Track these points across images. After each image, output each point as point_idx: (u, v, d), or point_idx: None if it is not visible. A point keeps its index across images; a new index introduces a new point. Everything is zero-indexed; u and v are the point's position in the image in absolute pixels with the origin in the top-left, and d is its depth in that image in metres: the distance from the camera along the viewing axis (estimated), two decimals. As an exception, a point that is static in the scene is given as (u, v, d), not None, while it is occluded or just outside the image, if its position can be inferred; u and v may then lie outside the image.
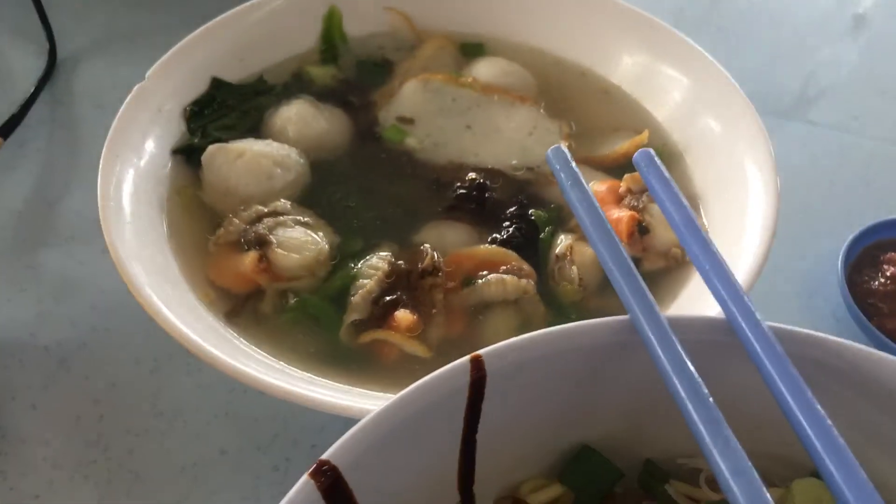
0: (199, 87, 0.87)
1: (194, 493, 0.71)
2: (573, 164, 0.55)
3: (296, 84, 0.92)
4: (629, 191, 0.79)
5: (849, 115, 1.10)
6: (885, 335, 0.81)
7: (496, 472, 0.51)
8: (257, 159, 0.80)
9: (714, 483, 0.53)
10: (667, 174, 0.53)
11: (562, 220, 0.80)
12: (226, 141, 0.82)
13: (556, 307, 0.75)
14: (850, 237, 0.88)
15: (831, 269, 0.90)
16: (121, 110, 0.79)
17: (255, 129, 0.87)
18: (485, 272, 0.74)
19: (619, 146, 0.86)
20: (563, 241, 0.77)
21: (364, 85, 0.93)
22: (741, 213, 0.75)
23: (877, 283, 0.85)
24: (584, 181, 0.53)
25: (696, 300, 0.71)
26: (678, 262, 0.77)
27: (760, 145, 0.78)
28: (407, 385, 0.43)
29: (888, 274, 0.85)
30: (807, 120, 1.10)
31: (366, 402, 0.61)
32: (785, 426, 0.43)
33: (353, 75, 0.95)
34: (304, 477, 0.40)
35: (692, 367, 0.43)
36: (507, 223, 0.79)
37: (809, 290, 0.90)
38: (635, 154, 0.55)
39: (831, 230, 0.95)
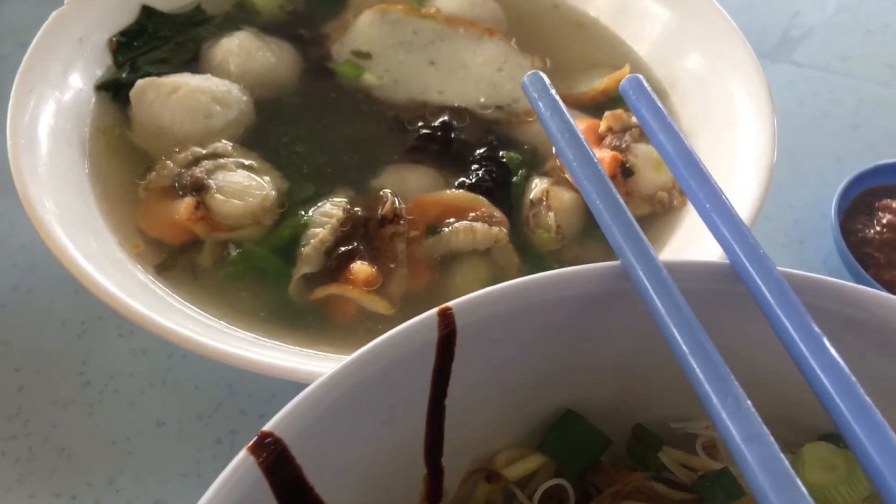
0: (127, 16, 0.80)
1: (128, 470, 0.66)
2: (552, 90, 0.51)
3: (238, 15, 0.86)
4: (610, 130, 0.73)
5: (836, 55, 1.05)
6: (883, 286, 0.75)
7: (468, 441, 0.47)
8: (194, 95, 0.73)
9: (712, 449, 0.49)
10: (658, 102, 0.48)
11: (536, 162, 0.75)
12: (158, 75, 0.75)
13: (531, 257, 0.70)
14: (843, 183, 0.83)
15: (821, 217, 0.86)
16: (36, 38, 0.72)
17: (192, 64, 0.80)
18: (451, 219, 0.69)
19: (597, 83, 0.81)
20: (538, 185, 0.72)
21: (315, 16, 0.87)
22: (733, 151, 0.70)
23: (872, 231, 0.80)
24: (565, 109, 0.48)
25: (686, 249, 0.66)
26: (665, 207, 0.71)
27: (753, 77, 0.73)
28: (365, 345, 0.39)
29: (884, 221, 0.80)
30: (792, 61, 1.05)
31: (318, 364, 0.55)
32: (790, 386, 0.40)
33: (302, 6, 0.88)
34: (243, 452, 0.36)
35: (694, 318, 0.39)
36: (476, 166, 0.74)
37: (799, 239, 0.86)
38: (622, 81, 0.50)
39: (820, 177, 0.92)
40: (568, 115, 0.48)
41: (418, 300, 0.66)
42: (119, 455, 0.66)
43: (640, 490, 0.48)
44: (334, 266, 0.65)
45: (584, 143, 0.46)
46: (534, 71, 0.51)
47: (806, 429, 0.47)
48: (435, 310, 0.41)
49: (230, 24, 0.83)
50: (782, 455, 0.33)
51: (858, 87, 1.02)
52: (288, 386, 0.67)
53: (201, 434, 0.68)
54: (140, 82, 0.73)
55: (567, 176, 0.71)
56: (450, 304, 0.41)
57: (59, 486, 0.64)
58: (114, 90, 0.76)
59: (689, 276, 0.43)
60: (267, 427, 0.37)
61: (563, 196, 0.70)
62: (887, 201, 0.82)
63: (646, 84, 0.49)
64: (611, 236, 0.43)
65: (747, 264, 0.41)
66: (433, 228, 0.69)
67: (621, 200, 0.44)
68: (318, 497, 0.39)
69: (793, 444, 0.47)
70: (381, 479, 0.43)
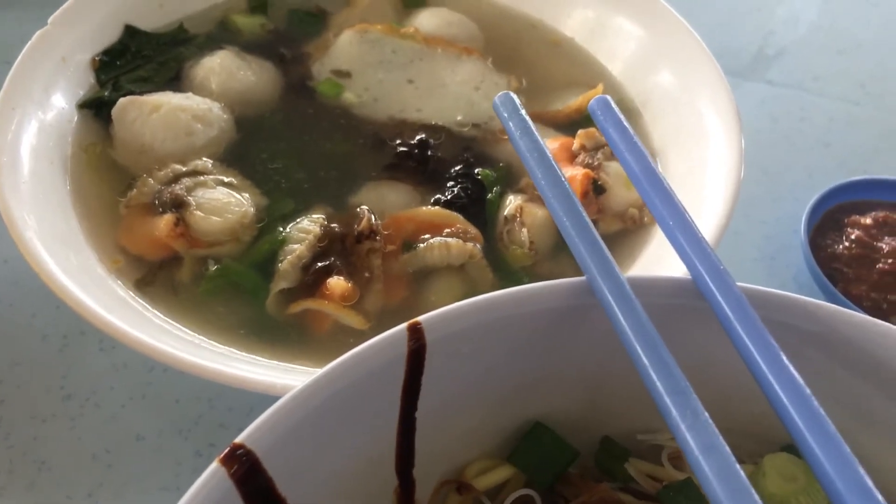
0: (110, 36, 0.81)
1: (108, 483, 0.66)
2: (523, 111, 0.52)
3: (220, 34, 0.86)
4: (583, 148, 0.74)
5: (808, 74, 1.07)
6: (851, 301, 0.77)
7: (439, 453, 0.47)
8: (175, 113, 0.73)
9: (678, 460, 0.50)
10: (625, 122, 0.49)
11: (511, 179, 0.76)
12: (140, 94, 0.76)
13: (504, 273, 0.70)
14: (813, 199, 0.84)
15: (793, 232, 0.87)
16: (19, 58, 0.72)
17: (174, 83, 0.81)
18: (427, 235, 0.69)
19: (571, 101, 0.81)
20: (512, 202, 0.72)
21: (296, 36, 0.88)
22: (702, 167, 0.71)
23: (841, 246, 0.81)
24: (534, 129, 0.49)
25: (655, 265, 0.67)
26: (636, 223, 0.72)
27: (722, 97, 0.74)
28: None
29: (853, 237, 0.81)
30: (765, 80, 1.06)
31: (294, 378, 0.56)
32: (753, 398, 0.40)
33: (283, 25, 0.89)
34: (214, 464, 0.36)
35: (656, 333, 0.39)
36: (452, 183, 0.74)
37: (770, 254, 0.87)
38: (591, 102, 0.51)
39: (792, 193, 0.93)
40: (537, 134, 0.48)
41: (394, 315, 0.66)
42: (99, 468, 0.66)
43: (606, 500, 0.48)
44: (311, 281, 0.65)
45: (553, 162, 0.47)
46: (505, 92, 0.51)
47: (769, 440, 0.47)
48: (405, 324, 0.41)
49: (212, 43, 0.84)
50: (738, 466, 0.34)
51: (830, 105, 1.04)
52: (267, 400, 0.67)
53: (181, 448, 0.68)
54: (122, 100, 0.74)
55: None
56: (419, 318, 0.42)
57: (38, 499, 0.64)
58: (96, 108, 0.76)
59: (652, 291, 0.44)
60: (239, 439, 0.37)
61: (537, 213, 0.70)
62: (856, 217, 0.83)
63: (613, 105, 0.49)
64: (576, 252, 0.44)
65: (708, 280, 0.42)
66: (409, 244, 0.69)
67: (587, 218, 0.44)
68: (289, 508, 0.39)
69: (756, 455, 0.47)
70: (352, 490, 0.43)
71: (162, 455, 0.67)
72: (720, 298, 0.42)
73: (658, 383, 0.37)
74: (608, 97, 0.50)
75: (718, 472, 0.34)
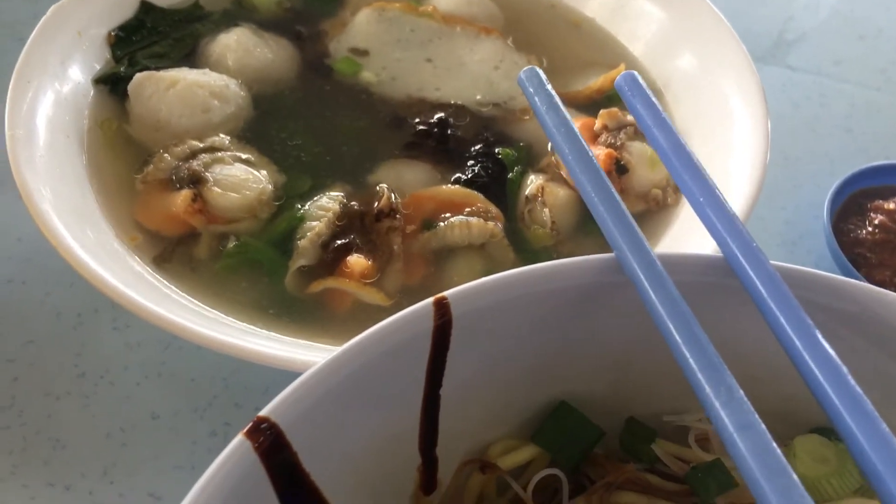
0: (125, 11, 0.80)
1: (122, 462, 0.65)
2: (548, 86, 0.51)
3: (236, 11, 0.85)
4: (605, 128, 0.73)
5: (829, 59, 1.06)
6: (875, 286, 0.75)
7: (462, 431, 0.46)
8: (192, 89, 0.73)
9: (705, 442, 0.49)
10: (653, 98, 0.48)
11: (531, 159, 0.75)
12: (156, 70, 0.75)
13: (525, 252, 0.69)
14: (835, 185, 0.83)
15: (814, 219, 0.86)
16: (34, 31, 0.71)
17: (190, 59, 0.80)
18: (447, 214, 0.68)
19: (592, 82, 0.80)
20: (533, 182, 0.71)
21: (313, 13, 0.86)
22: (726, 150, 0.69)
23: (864, 231, 0.80)
24: (561, 104, 0.48)
25: (678, 246, 0.66)
26: (659, 204, 0.71)
27: (747, 78, 0.72)
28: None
29: (876, 222, 0.80)
30: (786, 65, 1.05)
31: (315, 355, 0.55)
32: (781, 379, 0.41)
33: (300, 3, 0.88)
34: (239, 437, 0.35)
35: (688, 309, 0.39)
36: (472, 162, 0.73)
37: (791, 240, 0.86)
38: (618, 77, 0.50)
39: (813, 178, 0.92)
40: (564, 109, 0.47)
41: (413, 294, 0.65)
42: (113, 447, 0.66)
43: (632, 481, 0.47)
44: (330, 259, 0.65)
45: (580, 138, 0.46)
46: (530, 66, 0.50)
47: (797, 422, 0.46)
48: (431, 299, 0.41)
49: (228, 20, 0.83)
50: (775, 444, 0.33)
51: (851, 91, 1.03)
52: (283, 379, 0.66)
53: (196, 427, 0.67)
54: (138, 76, 0.73)
55: (563, 173, 0.71)
56: (446, 293, 0.41)
57: (52, 476, 0.64)
58: (112, 84, 0.75)
59: (683, 268, 0.43)
60: (263, 412, 0.36)
61: (559, 192, 0.70)
62: (879, 202, 0.82)
63: (641, 80, 0.48)
64: (606, 229, 0.43)
65: (741, 257, 0.41)
66: (429, 223, 0.68)
67: (616, 194, 0.43)
68: (313, 484, 0.39)
69: (784, 437, 0.46)
70: (375, 468, 0.43)
71: (177, 434, 0.67)
72: (753, 276, 0.41)
73: (691, 360, 0.37)
74: (635, 73, 0.49)
75: (755, 451, 0.33)
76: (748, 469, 0.33)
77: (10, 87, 0.66)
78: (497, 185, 0.72)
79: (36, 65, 0.69)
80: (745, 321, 0.43)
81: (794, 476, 0.32)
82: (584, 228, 0.70)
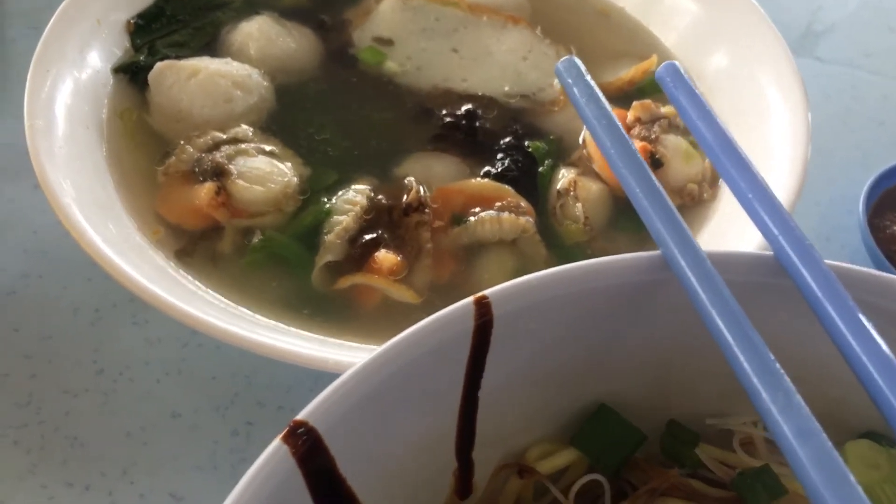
0: None
1: (141, 461, 0.64)
2: (588, 76, 0.49)
3: None
4: (638, 120, 0.71)
5: (859, 51, 1.04)
6: (913, 284, 0.73)
7: (500, 434, 0.45)
8: (214, 79, 0.71)
9: (749, 446, 0.47)
10: (697, 89, 0.46)
11: (562, 152, 0.73)
12: (177, 58, 0.73)
13: (558, 248, 0.68)
14: (871, 179, 0.81)
15: (847, 214, 0.84)
16: (53, 19, 0.70)
17: (210, 48, 0.78)
18: (477, 209, 0.67)
19: (623, 73, 0.79)
20: (565, 176, 0.70)
21: (336, 2, 0.85)
22: (765, 143, 0.67)
23: (901, 227, 0.78)
24: (601, 96, 0.46)
25: (716, 242, 0.65)
26: (694, 199, 0.69)
27: (785, 70, 0.71)
28: (390, 336, 0.37)
29: (913, 218, 0.78)
30: (815, 57, 1.03)
31: (345, 354, 0.54)
32: (830, 382, 0.40)
33: None
34: (277, 441, 0.34)
35: (740, 310, 0.37)
36: (501, 155, 0.71)
37: (825, 235, 0.84)
38: (659, 68, 0.48)
39: (845, 172, 0.90)
40: (604, 101, 0.46)
41: (444, 291, 0.64)
42: (133, 446, 0.64)
43: (677, 487, 0.46)
44: (358, 254, 0.63)
45: (622, 130, 0.44)
46: (568, 56, 0.49)
47: (845, 426, 0.45)
48: (471, 298, 0.39)
49: (249, 8, 0.81)
50: (836, 453, 0.32)
51: (883, 83, 1.00)
52: (306, 377, 0.65)
53: (217, 426, 0.65)
54: (159, 65, 0.71)
55: (595, 167, 0.69)
56: (486, 292, 0.39)
57: (71, 475, 0.62)
58: (131, 73, 0.74)
59: (732, 267, 0.41)
60: (301, 416, 0.35)
61: (591, 187, 0.68)
62: (917, 198, 0.81)
63: (683, 71, 0.47)
64: (651, 225, 0.41)
65: (792, 255, 0.40)
66: (458, 218, 0.67)
67: (661, 188, 0.42)
68: (350, 489, 0.37)
69: (833, 443, 0.46)
70: (410, 472, 0.41)
71: (198, 433, 0.65)
72: (806, 275, 0.39)
73: (745, 363, 0.35)
74: (677, 63, 0.47)
75: (815, 459, 0.32)
76: (808, 478, 0.31)
77: (29, 76, 0.65)
78: (527, 179, 0.70)
79: (54, 53, 0.67)
80: (794, 322, 0.41)
81: (858, 487, 0.31)
82: (616, 224, 0.68)
